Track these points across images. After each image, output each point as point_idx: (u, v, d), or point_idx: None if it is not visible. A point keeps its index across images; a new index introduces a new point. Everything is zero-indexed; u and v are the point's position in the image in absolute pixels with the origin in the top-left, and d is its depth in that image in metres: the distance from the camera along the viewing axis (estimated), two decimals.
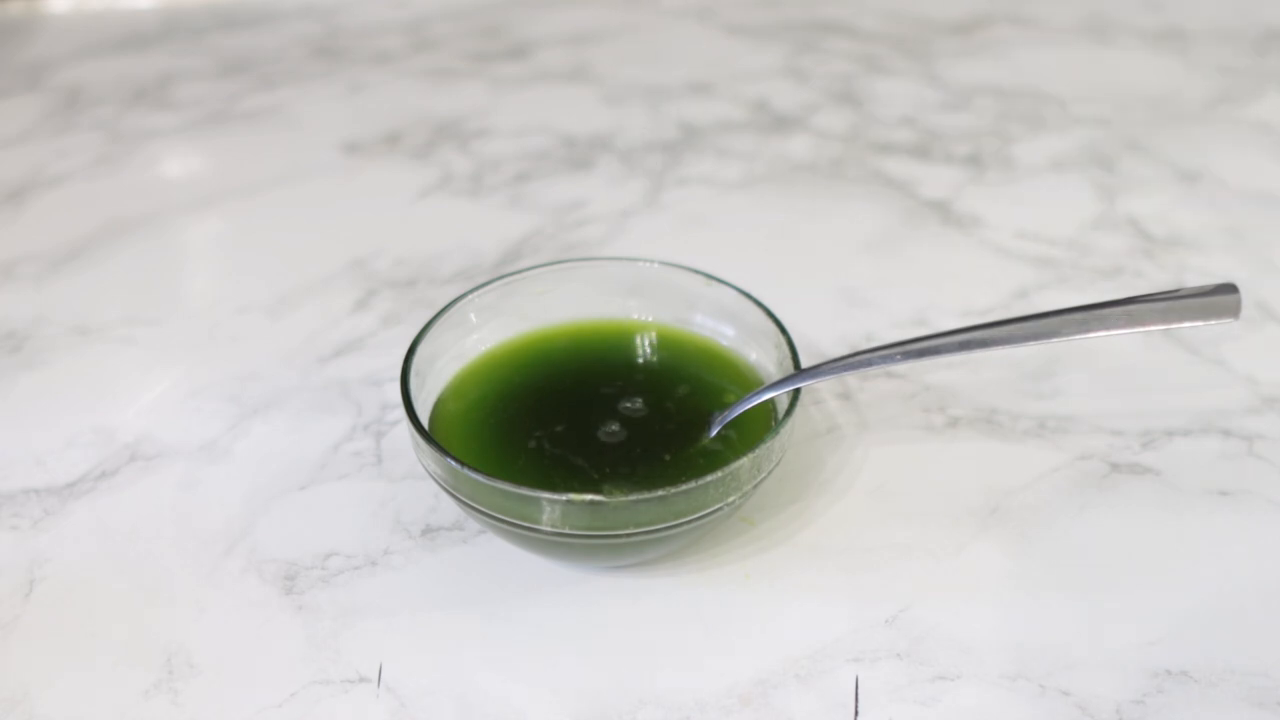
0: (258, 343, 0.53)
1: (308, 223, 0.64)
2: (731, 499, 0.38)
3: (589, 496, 0.35)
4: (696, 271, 0.45)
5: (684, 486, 0.36)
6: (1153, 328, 0.38)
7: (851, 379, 0.49)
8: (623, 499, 0.36)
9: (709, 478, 0.36)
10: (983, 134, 0.72)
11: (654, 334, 0.46)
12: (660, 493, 0.36)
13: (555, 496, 0.35)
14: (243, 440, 0.47)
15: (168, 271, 0.60)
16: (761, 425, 0.42)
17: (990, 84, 0.78)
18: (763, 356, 0.44)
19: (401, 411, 0.39)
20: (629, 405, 0.43)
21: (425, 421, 0.41)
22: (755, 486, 0.38)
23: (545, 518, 0.36)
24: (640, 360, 0.46)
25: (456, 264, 0.59)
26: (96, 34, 0.87)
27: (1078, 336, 0.38)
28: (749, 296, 0.44)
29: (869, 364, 0.40)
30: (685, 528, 0.37)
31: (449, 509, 0.43)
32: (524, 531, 0.37)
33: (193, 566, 0.41)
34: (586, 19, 0.90)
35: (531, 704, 0.36)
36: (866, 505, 0.43)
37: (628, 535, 0.37)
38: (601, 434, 0.42)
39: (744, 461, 0.37)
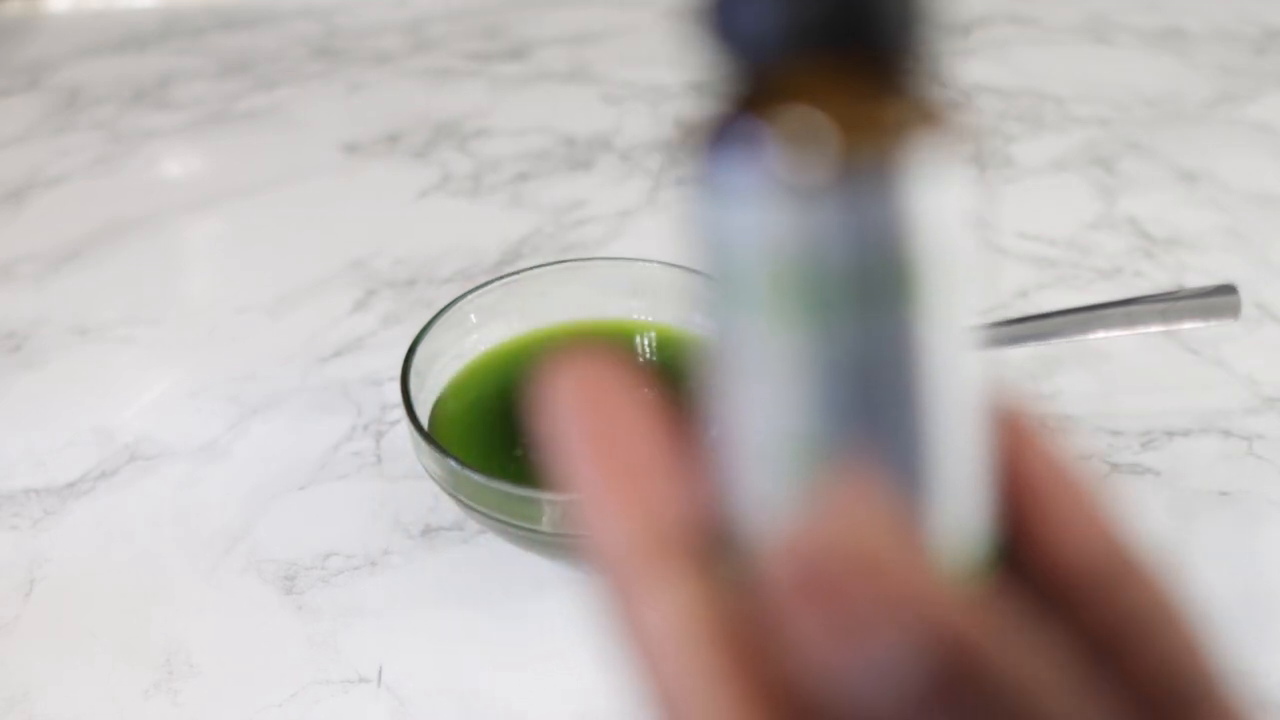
0: (258, 343, 0.53)
1: (308, 223, 0.64)
2: None
3: None
4: (697, 271, 0.45)
5: None
6: (1153, 328, 0.38)
7: None
8: None
9: None
10: (982, 134, 0.72)
11: (654, 334, 0.46)
12: None
13: (555, 497, 0.35)
14: (242, 440, 0.47)
15: (168, 271, 0.60)
16: None
17: (990, 84, 0.78)
18: None
19: (401, 411, 0.39)
20: None
21: (425, 421, 0.41)
22: None
23: (545, 518, 0.36)
24: (640, 360, 0.46)
25: (456, 264, 0.59)
26: (96, 34, 0.87)
27: (1078, 336, 0.38)
28: None
29: None
30: None
31: (449, 509, 0.43)
32: (524, 531, 0.37)
33: (193, 566, 0.41)
34: (586, 19, 0.90)
35: (532, 704, 0.36)
36: None
37: None
38: None
39: None
